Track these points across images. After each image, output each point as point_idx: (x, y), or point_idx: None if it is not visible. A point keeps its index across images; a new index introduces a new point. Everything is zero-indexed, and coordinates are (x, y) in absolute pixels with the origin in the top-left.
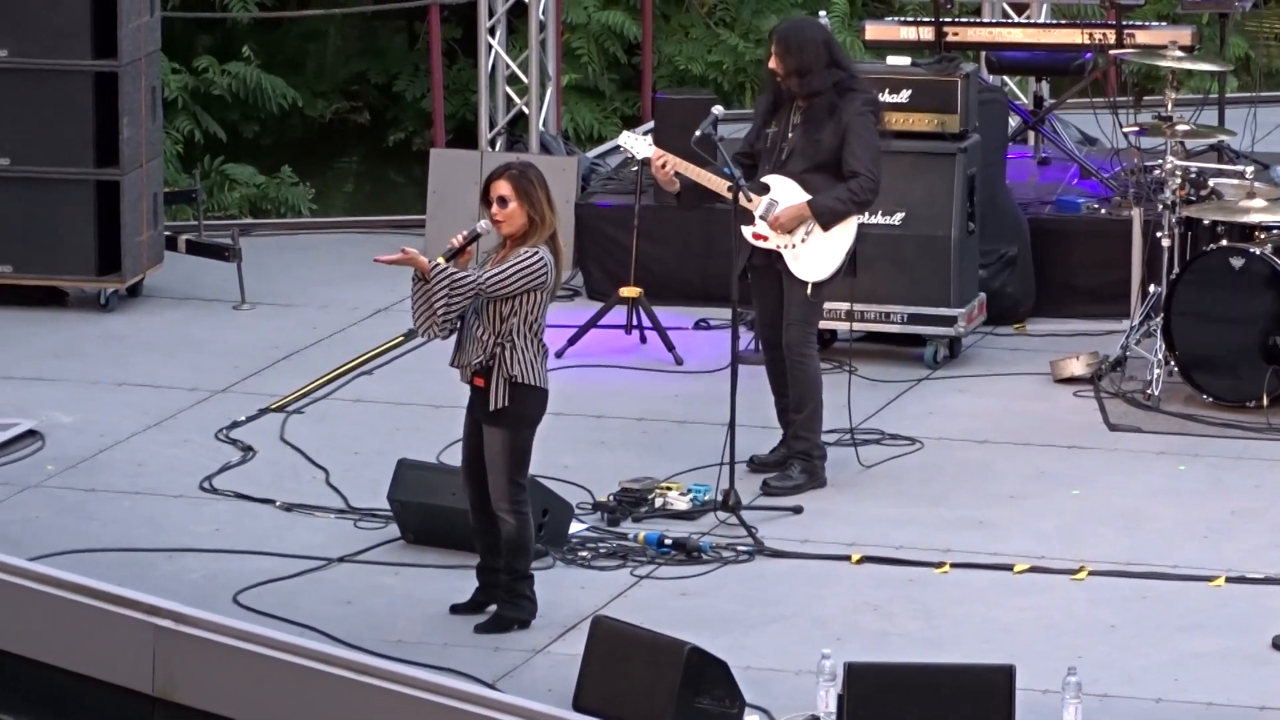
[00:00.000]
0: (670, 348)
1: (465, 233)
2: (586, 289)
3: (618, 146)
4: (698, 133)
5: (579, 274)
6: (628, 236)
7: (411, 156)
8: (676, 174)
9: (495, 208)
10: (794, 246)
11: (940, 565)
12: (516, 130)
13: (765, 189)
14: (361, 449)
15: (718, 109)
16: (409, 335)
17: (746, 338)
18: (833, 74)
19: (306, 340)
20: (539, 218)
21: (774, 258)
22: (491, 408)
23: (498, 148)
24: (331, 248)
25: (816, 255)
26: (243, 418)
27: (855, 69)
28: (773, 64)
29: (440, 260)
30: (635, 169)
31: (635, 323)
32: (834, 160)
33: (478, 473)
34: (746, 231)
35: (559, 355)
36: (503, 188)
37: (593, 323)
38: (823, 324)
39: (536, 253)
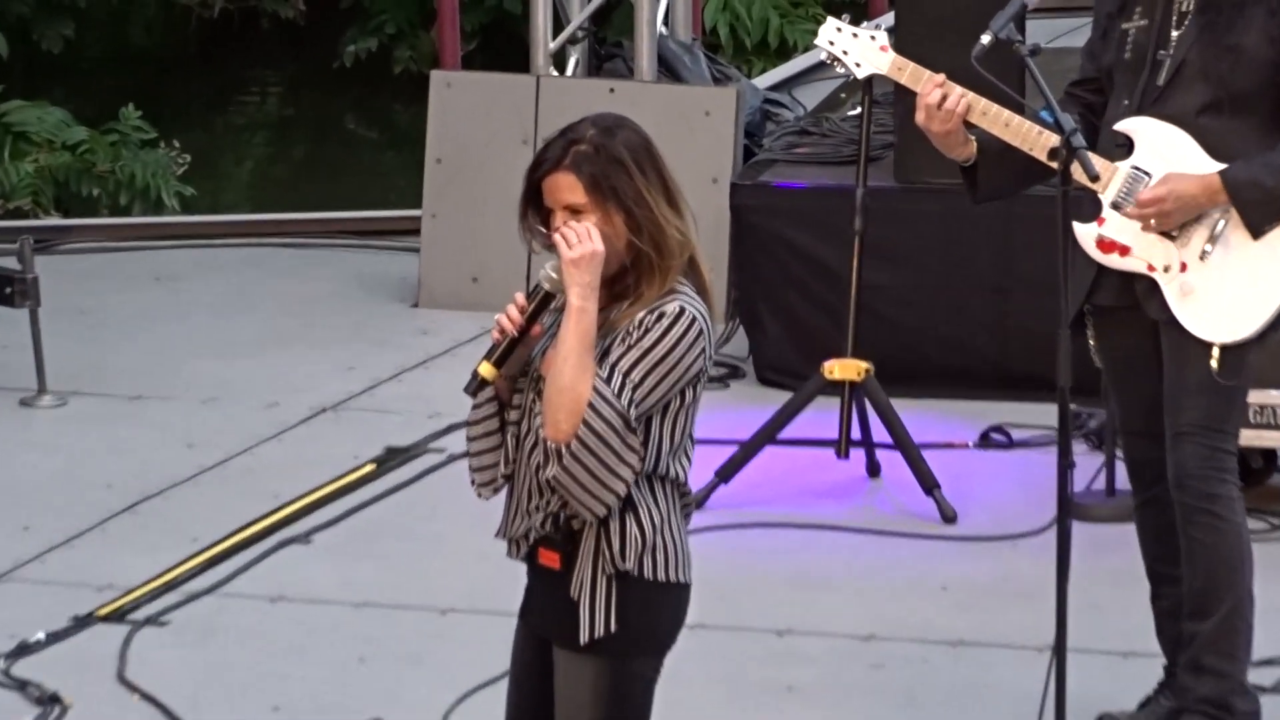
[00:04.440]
0: (929, 488)
1: (520, 300)
2: (754, 362)
3: (822, 62)
4: (984, 38)
5: (738, 327)
6: (838, 253)
7: (392, 81)
8: (966, 122)
9: (559, 224)
10: (1184, 269)
11: None
12: (602, 31)
13: (1126, 147)
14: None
15: None
16: (382, 461)
17: (1089, 463)
18: None
19: (178, 466)
20: (652, 231)
21: (1143, 292)
22: (584, 634)
23: (573, 69)
24: (232, 269)
25: (1231, 289)
26: (41, 635)
27: None
28: None
29: (480, 370)
30: (855, 110)
31: (856, 434)
32: (1267, 88)
33: None
34: (1085, 236)
35: (699, 506)
36: (566, 185)
37: (769, 435)
38: (1248, 439)
39: (678, 316)
